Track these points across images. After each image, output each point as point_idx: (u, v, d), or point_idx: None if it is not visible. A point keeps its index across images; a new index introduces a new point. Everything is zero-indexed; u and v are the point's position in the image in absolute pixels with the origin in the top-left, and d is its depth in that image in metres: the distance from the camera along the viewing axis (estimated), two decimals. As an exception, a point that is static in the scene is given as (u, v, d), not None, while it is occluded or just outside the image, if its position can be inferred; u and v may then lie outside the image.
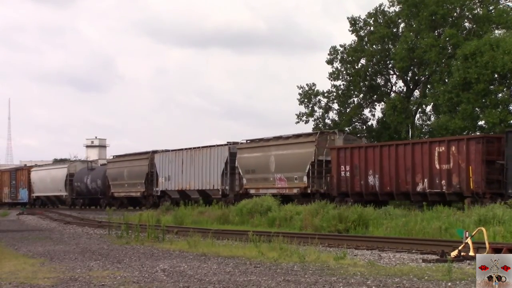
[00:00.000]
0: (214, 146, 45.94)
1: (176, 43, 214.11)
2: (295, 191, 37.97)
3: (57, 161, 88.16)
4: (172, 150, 50.18)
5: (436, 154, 31.49)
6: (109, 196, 58.02)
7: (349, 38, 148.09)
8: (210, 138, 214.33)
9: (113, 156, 59.89)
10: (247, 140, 43.87)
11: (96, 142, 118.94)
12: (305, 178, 37.18)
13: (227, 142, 44.96)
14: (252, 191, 40.85)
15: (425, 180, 31.87)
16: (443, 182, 31.15)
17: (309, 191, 36.84)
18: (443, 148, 31.33)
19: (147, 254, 19.02)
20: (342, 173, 35.45)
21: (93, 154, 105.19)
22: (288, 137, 40.41)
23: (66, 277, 13.93)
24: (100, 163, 67.10)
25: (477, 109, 44.58)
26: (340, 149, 36.24)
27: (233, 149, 43.59)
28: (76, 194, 62.99)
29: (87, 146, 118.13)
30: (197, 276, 13.94)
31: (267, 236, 21.27)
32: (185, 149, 48.50)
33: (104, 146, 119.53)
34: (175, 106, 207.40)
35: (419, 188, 32.23)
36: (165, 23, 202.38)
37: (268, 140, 41.78)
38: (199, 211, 36.12)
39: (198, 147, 47.24)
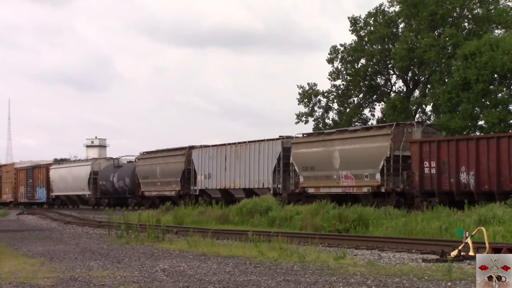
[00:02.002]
0: (264, 140, 41.78)
1: (173, 43, 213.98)
2: (365, 190, 33.98)
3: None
4: (213, 146, 46.24)
5: None
6: (138, 195, 53.73)
7: (348, 38, 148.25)
8: (208, 138, 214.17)
9: (143, 152, 55.07)
10: (303, 134, 40.13)
11: (96, 142, 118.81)
12: (377, 176, 33.16)
13: (280, 136, 41.45)
14: (310, 190, 37.10)
15: None
16: (559, 180, 26.99)
17: (383, 190, 32.96)
18: None
19: (147, 254, 19.02)
20: (426, 170, 31.21)
21: (93, 154, 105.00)
22: (355, 130, 36.87)
23: (66, 277, 13.93)
24: (126, 160, 61.85)
25: (477, 108, 44.67)
26: (423, 142, 31.75)
27: (286, 143, 39.57)
28: (100, 194, 58.92)
29: (87, 146, 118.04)
30: (197, 276, 13.94)
31: (267, 236, 21.28)
32: (229, 144, 44.67)
33: (104, 146, 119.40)
34: (173, 106, 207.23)
35: None
36: (163, 22, 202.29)
37: (330, 133, 37.88)
38: (199, 211, 36.13)
39: (245, 142, 43.21)
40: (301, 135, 40.11)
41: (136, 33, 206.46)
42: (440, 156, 30.81)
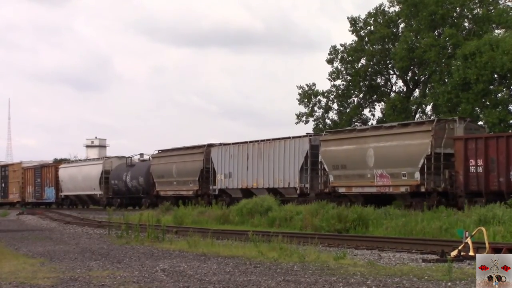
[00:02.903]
0: (289, 138, 39.88)
1: (173, 42, 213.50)
2: (402, 189, 32.18)
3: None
4: (234, 143, 44.23)
5: None
6: (153, 195, 51.60)
7: (347, 37, 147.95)
8: (208, 138, 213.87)
9: (159, 150, 52.74)
10: (333, 131, 38.52)
11: (96, 142, 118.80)
12: (417, 174, 31.26)
13: (307, 133, 39.80)
14: (341, 190, 35.33)
15: None
16: None
17: (422, 190, 31.03)
18: None
19: (147, 254, 19.03)
20: (472, 169, 29.12)
21: (93, 154, 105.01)
22: (391, 127, 34.61)
23: (66, 277, 13.93)
24: (138, 159, 59.33)
25: (477, 109, 44.70)
26: (468, 139, 29.67)
27: (314, 141, 37.64)
28: (112, 193, 56.85)
29: (87, 146, 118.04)
30: (197, 276, 13.95)
31: (267, 236, 21.28)
32: (251, 142, 42.57)
33: (104, 146, 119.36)
34: (173, 106, 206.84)
35: None
36: (162, 22, 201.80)
37: (364, 130, 36.13)
38: (199, 211, 36.13)
39: (269, 140, 41.29)
40: (330, 132, 38.42)
41: (135, 33, 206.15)
42: (488, 154, 28.75)
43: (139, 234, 24.32)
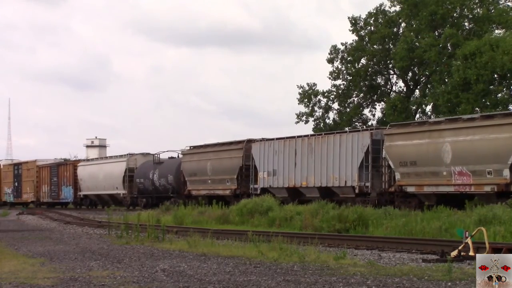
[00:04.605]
0: (346, 132, 37.23)
1: (171, 42, 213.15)
2: (487, 189, 28.80)
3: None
4: (278, 138, 40.66)
5: None
6: (184, 194, 47.86)
7: (347, 37, 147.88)
8: (207, 137, 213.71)
9: (190, 146, 49.25)
10: (400, 124, 35.33)
11: (96, 142, 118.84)
12: (505, 172, 27.88)
13: (367, 126, 36.83)
14: (410, 189, 32.01)
15: None
16: None
17: None
18: None
19: (147, 254, 19.03)
20: None
21: (93, 154, 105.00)
22: (472, 119, 30.86)
23: (66, 277, 13.94)
24: (166, 155, 55.95)
25: (477, 109, 44.74)
26: None
27: (376, 135, 34.42)
28: (138, 193, 53.64)
29: (87, 146, 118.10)
30: (197, 276, 13.95)
31: (267, 236, 21.29)
32: (299, 136, 39.16)
33: (104, 146, 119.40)
34: (172, 105, 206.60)
35: None
36: (160, 21, 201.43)
37: (438, 123, 32.32)
38: (199, 211, 36.13)
39: (320, 134, 38.59)
40: (396, 126, 35.05)
41: (133, 33, 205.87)
42: None
43: (139, 234, 24.34)
